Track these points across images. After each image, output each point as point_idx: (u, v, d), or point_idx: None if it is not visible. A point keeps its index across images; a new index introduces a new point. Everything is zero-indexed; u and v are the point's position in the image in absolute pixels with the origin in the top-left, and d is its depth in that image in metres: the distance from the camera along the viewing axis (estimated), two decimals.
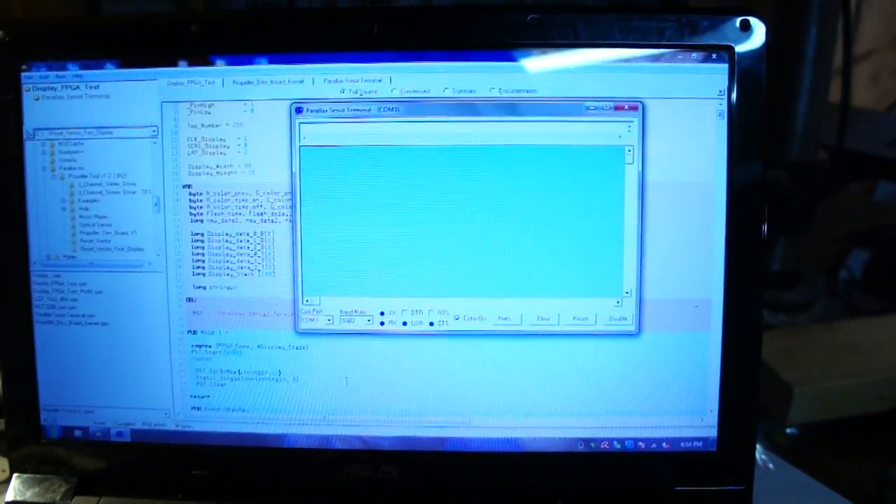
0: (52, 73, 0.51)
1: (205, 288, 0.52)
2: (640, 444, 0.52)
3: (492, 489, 0.52)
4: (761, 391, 0.52)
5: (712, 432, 0.51)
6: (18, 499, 0.53)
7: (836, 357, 0.73)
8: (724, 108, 0.50)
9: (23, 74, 0.52)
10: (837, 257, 0.93)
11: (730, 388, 0.51)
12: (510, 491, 0.52)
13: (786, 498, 0.60)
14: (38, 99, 0.52)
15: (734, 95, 0.50)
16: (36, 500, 0.53)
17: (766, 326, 0.52)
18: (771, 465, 0.64)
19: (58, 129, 0.52)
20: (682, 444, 0.52)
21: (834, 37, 0.82)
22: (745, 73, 0.50)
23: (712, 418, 0.51)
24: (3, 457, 0.60)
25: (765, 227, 0.50)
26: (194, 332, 0.52)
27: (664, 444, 0.52)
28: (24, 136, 0.52)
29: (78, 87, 0.51)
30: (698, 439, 0.51)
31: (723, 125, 0.50)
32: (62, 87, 0.51)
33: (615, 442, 0.52)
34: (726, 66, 0.49)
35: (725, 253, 0.50)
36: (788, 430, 0.72)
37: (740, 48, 0.49)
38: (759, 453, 0.63)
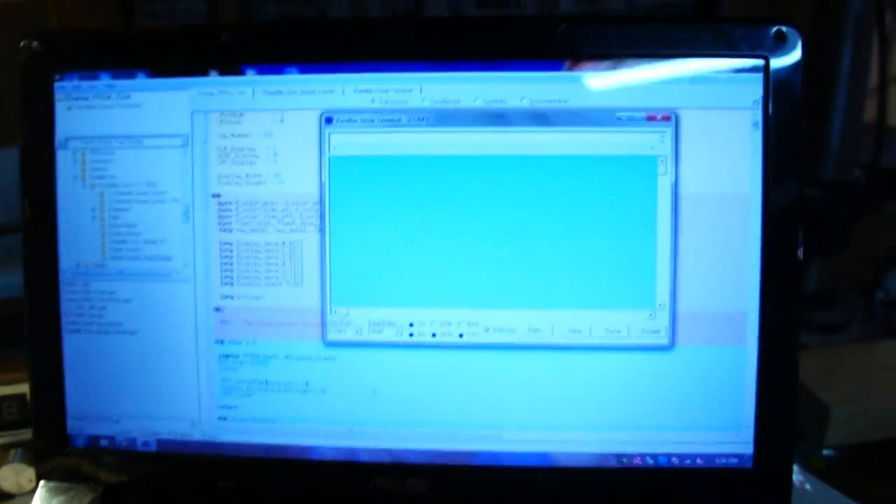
0: (85, 83, 0.52)
1: (233, 297, 0.51)
2: (674, 459, 0.50)
3: None
4: (797, 412, 0.51)
5: (748, 448, 0.50)
6: None
7: (875, 377, 0.72)
8: (760, 118, 0.49)
9: (55, 84, 0.52)
10: (874, 277, 0.91)
11: (766, 402, 0.50)
12: None
13: None
14: (70, 108, 0.52)
15: (769, 106, 0.49)
16: None
17: (801, 346, 0.51)
18: (808, 486, 0.62)
19: (89, 138, 0.52)
20: (717, 461, 0.50)
21: (869, 53, 0.81)
22: (780, 83, 0.49)
23: (748, 434, 0.50)
24: (29, 466, 0.60)
25: (801, 239, 0.49)
26: (222, 342, 0.52)
27: (698, 460, 0.50)
28: (56, 144, 0.52)
29: (109, 96, 0.52)
30: (734, 455, 0.50)
31: (758, 136, 0.49)
32: (94, 96, 0.52)
33: (648, 457, 0.51)
34: (761, 76, 0.49)
35: (761, 265, 0.49)
36: (825, 453, 0.70)
37: (775, 58, 0.49)
38: (796, 473, 0.61)
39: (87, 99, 0.52)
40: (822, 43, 0.79)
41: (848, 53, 0.78)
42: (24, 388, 0.61)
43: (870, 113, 0.85)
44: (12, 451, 0.61)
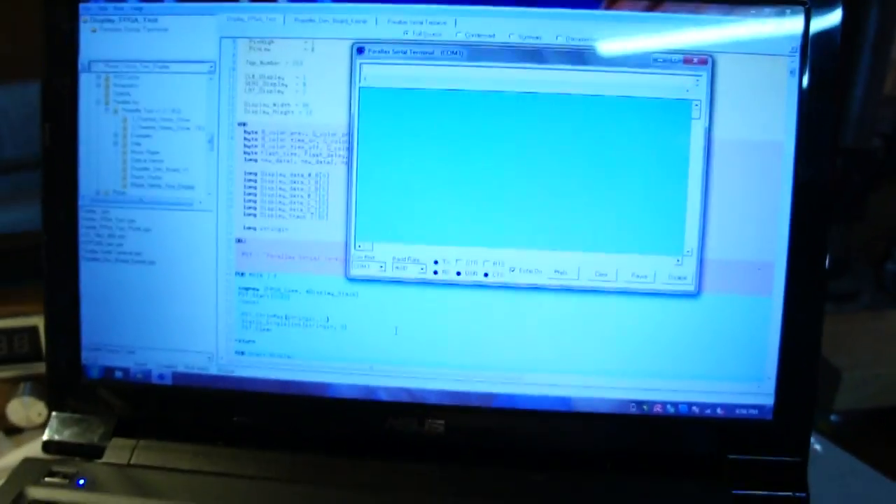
0: (111, 5, 0.51)
1: (255, 229, 0.50)
2: (694, 408, 0.50)
3: (540, 449, 0.51)
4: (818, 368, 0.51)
5: (769, 400, 0.50)
6: (56, 438, 0.52)
7: (886, 345, 0.72)
8: (797, 65, 0.48)
9: (81, 5, 0.51)
10: (885, 248, 0.91)
11: (789, 355, 0.49)
12: (559, 451, 0.51)
13: (833, 480, 0.59)
14: (94, 31, 0.51)
15: (808, 54, 0.48)
16: (74, 440, 0.52)
17: None
18: (818, 447, 0.62)
19: (114, 61, 0.51)
20: (738, 411, 0.50)
21: (894, 24, 0.80)
22: (820, 31, 0.48)
23: (769, 386, 0.50)
24: (38, 400, 0.60)
25: (832, 192, 0.49)
26: (242, 275, 0.51)
27: (719, 410, 0.50)
28: (80, 68, 0.51)
29: (136, 19, 0.50)
30: (754, 406, 0.50)
31: (794, 83, 0.48)
32: (120, 19, 0.51)
33: (668, 405, 0.50)
34: (801, 22, 0.48)
35: (791, 215, 0.49)
36: (833, 418, 0.70)
37: (817, 5, 0.48)
38: None
39: (112, 21, 0.51)
40: (848, 8, 0.78)
41: (874, 20, 0.78)
42: (34, 321, 0.61)
43: (889, 85, 0.85)
44: (22, 385, 0.61)
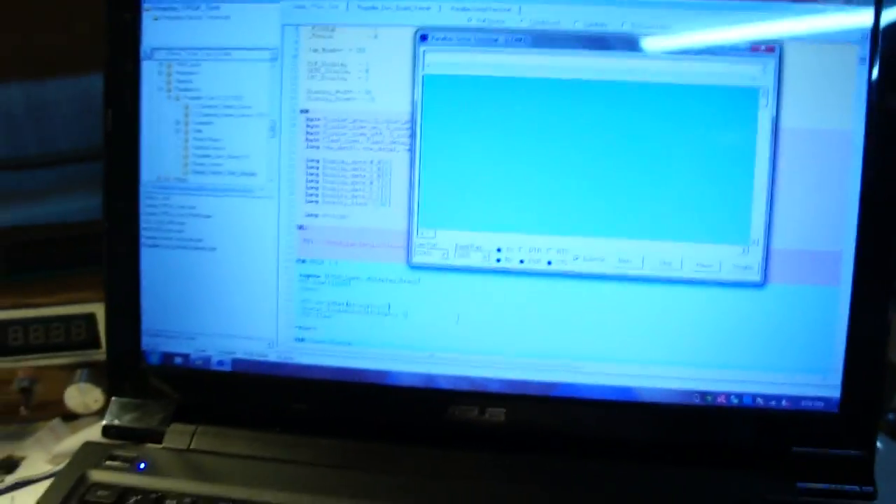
0: None
1: (317, 216, 0.50)
2: (759, 399, 0.49)
3: (601, 438, 0.51)
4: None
5: (835, 392, 0.49)
6: (116, 423, 0.53)
7: None
8: (867, 54, 0.47)
9: None
10: None
11: (857, 347, 0.48)
12: (620, 441, 0.50)
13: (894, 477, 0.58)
14: (157, 18, 0.51)
15: (878, 41, 0.47)
16: (133, 424, 0.52)
17: None
18: (879, 444, 0.61)
19: (176, 49, 0.51)
20: (803, 403, 0.49)
21: None
22: (891, 18, 0.47)
23: (836, 378, 0.49)
24: (95, 387, 0.60)
25: None
26: (303, 261, 0.51)
27: (784, 402, 0.49)
28: (142, 55, 0.51)
29: (198, 7, 0.51)
30: (820, 399, 0.49)
31: (864, 72, 0.47)
32: (182, 6, 0.51)
33: (733, 396, 0.49)
34: (871, 10, 0.47)
35: (859, 205, 0.48)
36: (890, 416, 0.68)
37: None
38: None
39: (174, 9, 0.51)
40: None
41: None
42: (91, 308, 0.61)
43: None
44: (79, 371, 0.61)
